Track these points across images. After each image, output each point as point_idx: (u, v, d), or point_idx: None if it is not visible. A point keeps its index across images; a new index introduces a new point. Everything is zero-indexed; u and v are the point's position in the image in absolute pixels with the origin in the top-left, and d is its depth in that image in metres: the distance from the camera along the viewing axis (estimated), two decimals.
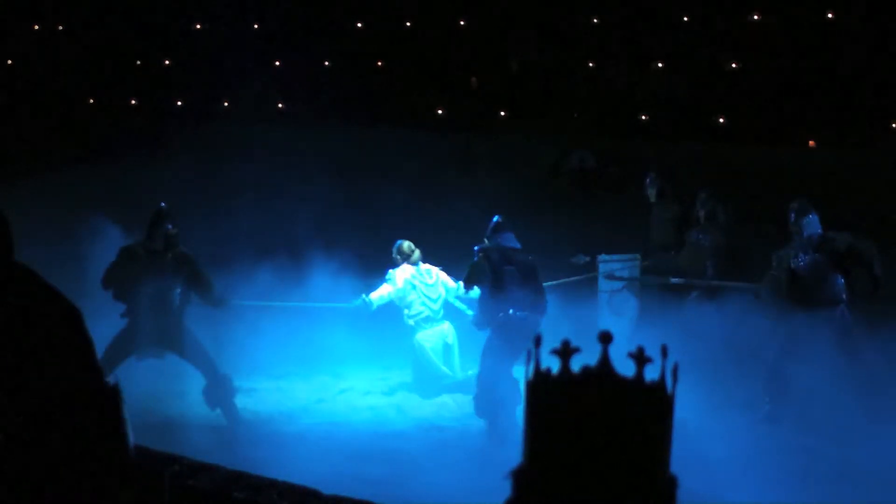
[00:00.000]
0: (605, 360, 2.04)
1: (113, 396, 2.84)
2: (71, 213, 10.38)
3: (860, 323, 7.98)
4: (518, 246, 8.37)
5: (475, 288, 8.44)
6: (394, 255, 9.46)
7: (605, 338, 2.06)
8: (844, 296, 8.01)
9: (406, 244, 9.43)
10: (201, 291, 8.30)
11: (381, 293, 9.27)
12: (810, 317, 7.87)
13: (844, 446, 7.04)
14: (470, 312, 9.11)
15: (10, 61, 18.27)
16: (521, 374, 8.13)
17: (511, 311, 8.15)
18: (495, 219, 8.52)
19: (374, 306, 9.24)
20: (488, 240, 8.38)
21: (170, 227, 8.28)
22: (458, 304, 9.36)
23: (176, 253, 8.25)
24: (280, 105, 17.72)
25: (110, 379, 2.88)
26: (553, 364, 2.09)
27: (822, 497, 6.03)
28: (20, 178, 13.13)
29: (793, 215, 8.26)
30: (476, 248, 8.41)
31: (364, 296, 9.26)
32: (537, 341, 2.02)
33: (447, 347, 9.44)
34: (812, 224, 8.16)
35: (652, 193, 11.08)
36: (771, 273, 8.30)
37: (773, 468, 6.56)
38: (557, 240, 10.26)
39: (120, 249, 8.25)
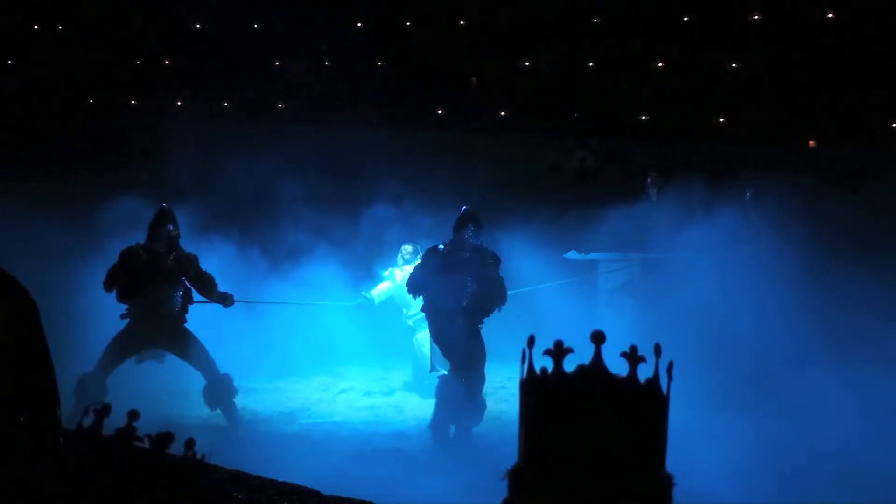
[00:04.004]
0: (598, 359, 2.05)
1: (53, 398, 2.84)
2: (72, 214, 10.38)
3: None
4: (475, 241, 8.14)
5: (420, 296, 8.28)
6: (397, 257, 9.52)
7: (598, 337, 2.07)
8: None
9: (410, 247, 9.49)
10: (205, 291, 8.31)
11: (381, 289, 9.41)
12: None
13: (845, 445, 7.02)
14: None
15: (9, 61, 18.28)
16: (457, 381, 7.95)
17: (432, 313, 8.11)
18: (462, 209, 8.37)
19: (377, 301, 9.35)
20: (453, 233, 8.22)
21: (171, 227, 8.28)
22: None
23: (178, 254, 8.25)
24: (280, 105, 17.72)
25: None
26: (548, 364, 2.10)
27: (822, 497, 6.02)
28: (21, 177, 13.12)
29: None
30: (423, 250, 8.32)
31: (364, 293, 9.37)
32: (531, 342, 2.03)
33: None
34: None
35: (653, 193, 11.10)
36: None
37: (772, 468, 6.56)
38: (557, 239, 10.25)
39: (121, 251, 8.24)
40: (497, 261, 8.11)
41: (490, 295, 8.03)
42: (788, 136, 15.46)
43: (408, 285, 8.31)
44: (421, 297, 8.28)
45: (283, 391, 9.45)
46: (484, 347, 8.15)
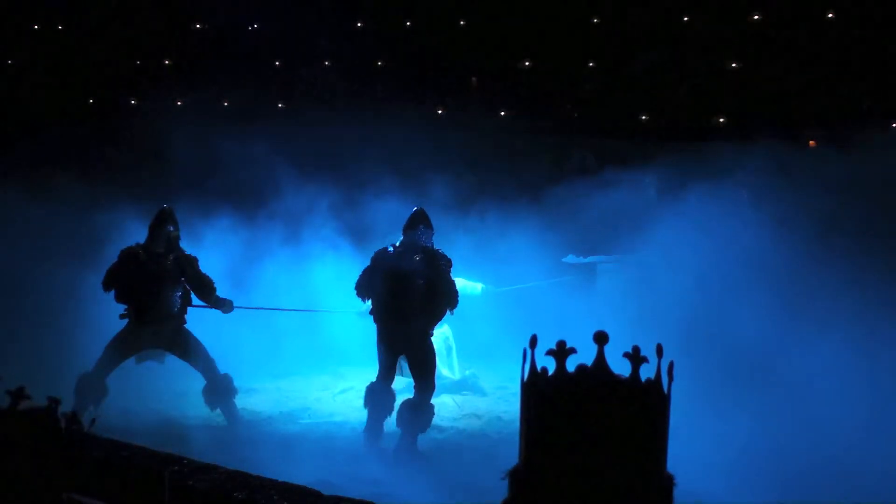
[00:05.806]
0: (600, 360, 2.05)
1: None
2: (71, 213, 10.38)
3: None
4: (426, 243, 7.85)
5: (368, 301, 7.93)
6: None
7: (601, 338, 2.06)
8: None
9: None
10: (203, 293, 8.29)
11: None
12: None
13: (844, 446, 7.02)
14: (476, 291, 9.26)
15: (10, 61, 18.28)
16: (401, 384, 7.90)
17: (381, 316, 7.82)
18: (413, 209, 8.07)
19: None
20: (403, 234, 7.94)
21: (171, 228, 8.27)
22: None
23: (177, 255, 8.24)
24: (280, 104, 17.72)
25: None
26: (549, 364, 2.09)
27: (823, 497, 6.02)
28: (20, 177, 13.13)
29: None
30: (375, 251, 8.01)
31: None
32: (533, 342, 2.03)
33: (448, 349, 9.48)
34: None
35: (652, 193, 11.11)
36: None
37: (772, 467, 6.56)
38: (556, 239, 10.27)
39: (121, 251, 8.24)
40: (448, 263, 7.81)
41: (441, 298, 7.75)
42: (788, 135, 15.46)
43: (355, 287, 7.96)
44: (369, 301, 7.94)
45: (283, 391, 9.45)
46: (434, 353, 7.95)
